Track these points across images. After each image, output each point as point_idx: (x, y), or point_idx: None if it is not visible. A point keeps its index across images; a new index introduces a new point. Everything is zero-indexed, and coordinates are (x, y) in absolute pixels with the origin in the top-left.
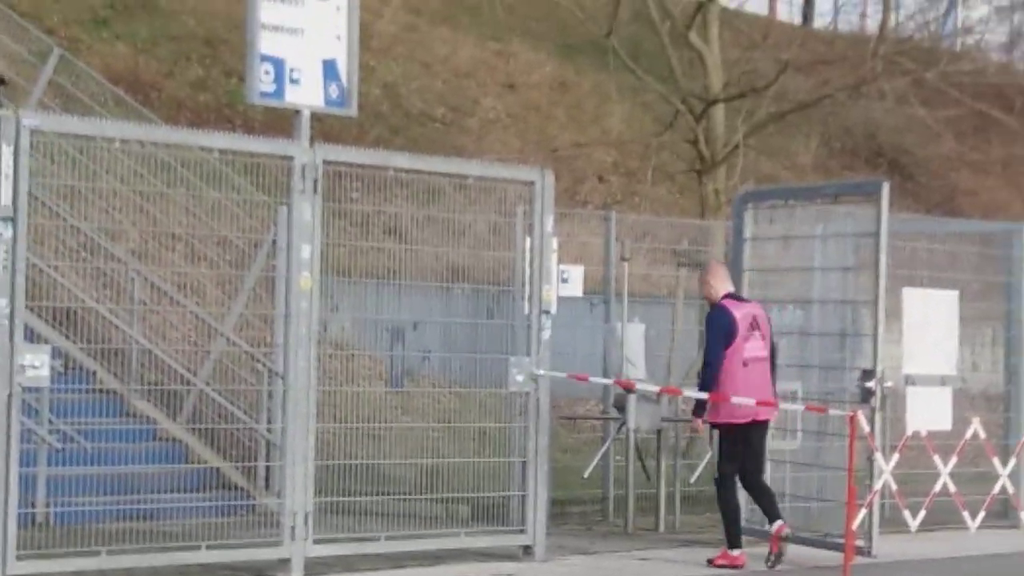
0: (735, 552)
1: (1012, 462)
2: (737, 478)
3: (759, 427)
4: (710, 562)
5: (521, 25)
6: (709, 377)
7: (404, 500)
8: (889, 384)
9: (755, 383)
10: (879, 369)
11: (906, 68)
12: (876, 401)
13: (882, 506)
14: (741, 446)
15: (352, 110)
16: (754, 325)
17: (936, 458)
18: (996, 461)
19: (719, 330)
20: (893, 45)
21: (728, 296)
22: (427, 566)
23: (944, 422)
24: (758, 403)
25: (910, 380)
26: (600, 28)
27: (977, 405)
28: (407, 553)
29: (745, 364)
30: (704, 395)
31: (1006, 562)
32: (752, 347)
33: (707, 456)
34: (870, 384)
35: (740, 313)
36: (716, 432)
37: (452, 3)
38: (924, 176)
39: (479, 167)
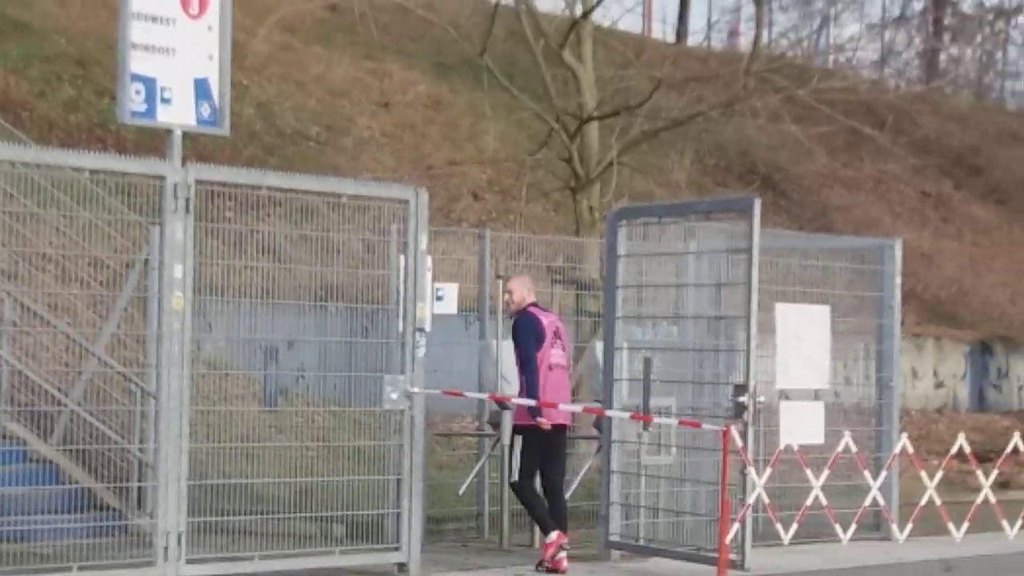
0: (552, 535)
1: (883, 475)
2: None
3: (561, 432)
4: (540, 564)
5: (395, 44)
6: (532, 380)
7: (279, 519)
8: (762, 399)
9: (556, 387)
10: (752, 384)
11: (778, 85)
12: (749, 416)
13: (755, 520)
14: (546, 449)
15: (224, 129)
16: (557, 334)
17: (808, 472)
18: (867, 474)
19: (531, 333)
20: (766, 63)
21: (533, 305)
22: None
23: (816, 436)
24: (540, 404)
25: (783, 394)
26: (474, 47)
27: (850, 419)
28: (281, 572)
29: (550, 369)
30: (577, 408)
31: (875, 573)
32: (556, 354)
33: (582, 471)
34: (743, 399)
35: (547, 321)
36: (519, 437)
37: (326, 22)
38: (797, 192)
39: (353, 185)
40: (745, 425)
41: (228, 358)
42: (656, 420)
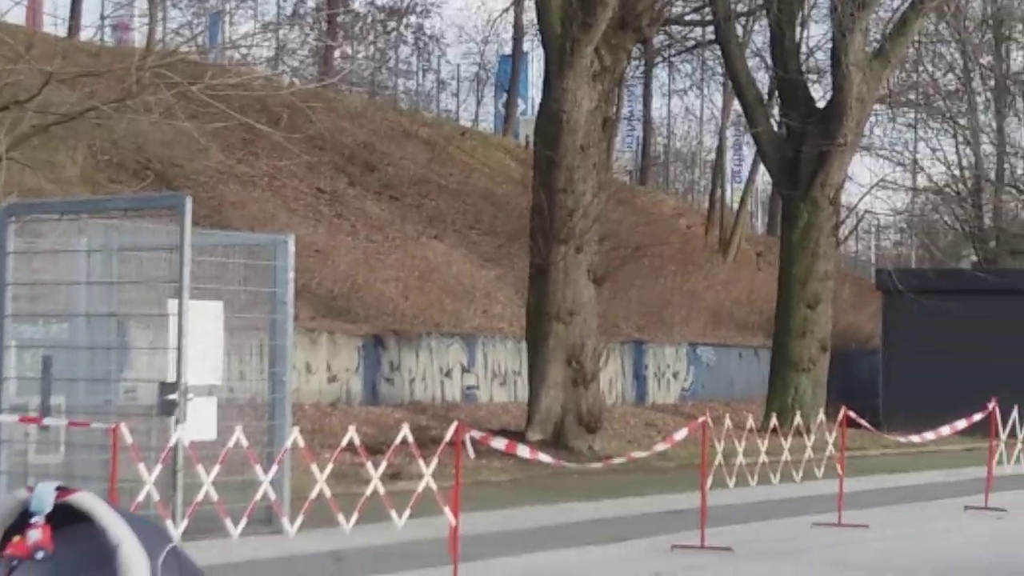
0: None
1: (274, 469)
2: None
3: None
4: None
5: None
6: None
7: None
8: (191, 396)
9: None
10: (183, 381)
11: (172, 82)
12: (181, 412)
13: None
14: None
15: None
16: None
17: (200, 467)
18: (259, 468)
19: None
20: (159, 59)
21: None
22: None
23: (210, 431)
24: None
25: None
26: None
27: (244, 414)
28: None
29: None
30: None
31: (266, 567)
32: None
33: None
34: (173, 396)
35: None
36: None
37: None
38: (192, 188)
39: None
40: (176, 422)
41: None
42: (47, 421)
